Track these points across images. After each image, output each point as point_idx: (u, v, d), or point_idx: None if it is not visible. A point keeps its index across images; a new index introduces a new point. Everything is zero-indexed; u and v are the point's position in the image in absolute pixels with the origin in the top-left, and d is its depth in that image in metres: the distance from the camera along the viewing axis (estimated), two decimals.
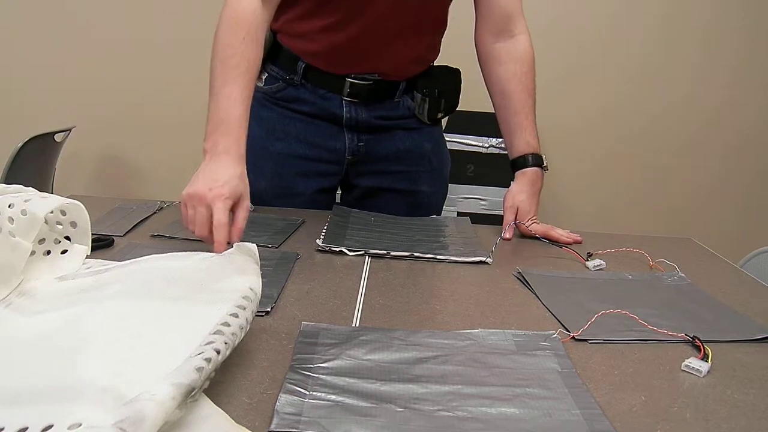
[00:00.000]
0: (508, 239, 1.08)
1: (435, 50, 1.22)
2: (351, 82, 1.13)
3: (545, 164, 1.14)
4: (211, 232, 0.83)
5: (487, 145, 2.49)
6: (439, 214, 1.31)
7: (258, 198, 1.16)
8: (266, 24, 0.99)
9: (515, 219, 1.10)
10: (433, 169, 1.27)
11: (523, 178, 1.13)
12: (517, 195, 1.12)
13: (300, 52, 1.14)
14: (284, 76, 1.16)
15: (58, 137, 2.30)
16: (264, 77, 1.18)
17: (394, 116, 1.20)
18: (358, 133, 1.19)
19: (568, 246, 1.03)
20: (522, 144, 1.13)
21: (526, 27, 1.16)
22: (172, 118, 2.64)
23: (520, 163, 1.14)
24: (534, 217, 1.11)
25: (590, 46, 2.56)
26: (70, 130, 2.35)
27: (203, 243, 0.95)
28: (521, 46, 1.15)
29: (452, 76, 1.22)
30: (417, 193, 1.26)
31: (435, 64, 1.23)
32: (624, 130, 2.65)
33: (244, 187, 0.89)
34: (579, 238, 1.08)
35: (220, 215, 0.82)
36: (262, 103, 1.18)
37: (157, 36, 2.56)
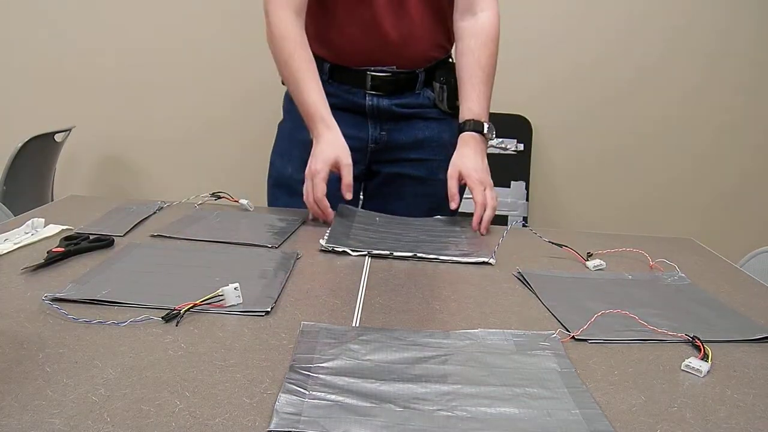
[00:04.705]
0: (455, 209, 1.15)
1: (451, 38, 1.27)
2: (372, 75, 1.21)
3: (486, 131, 1.18)
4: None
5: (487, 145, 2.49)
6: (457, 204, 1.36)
7: (285, 182, 1.26)
8: (303, 28, 1.16)
9: (460, 182, 1.15)
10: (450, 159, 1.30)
11: (462, 143, 1.18)
12: (456, 161, 1.16)
13: (324, 54, 1.22)
14: None
15: (58, 137, 2.30)
16: None
17: (414, 104, 1.26)
18: (381, 122, 1.26)
19: (568, 246, 1.02)
20: (464, 111, 1.20)
21: (492, 4, 1.22)
22: (173, 118, 2.64)
23: (460, 128, 1.20)
24: (485, 181, 1.14)
25: (596, 45, 2.56)
26: (70, 130, 2.36)
27: (204, 243, 0.95)
28: (480, 22, 1.21)
29: None
30: (434, 182, 1.29)
31: (453, 61, 1.29)
32: (625, 130, 2.65)
33: (339, 150, 1.10)
34: (484, 231, 1.11)
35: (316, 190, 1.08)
36: (291, 98, 1.24)
37: (157, 36, 2.56)
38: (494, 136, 1.20)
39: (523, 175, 2.56)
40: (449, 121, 1.29)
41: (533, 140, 2.58)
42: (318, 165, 1.08)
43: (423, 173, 1.30)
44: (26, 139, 2.08)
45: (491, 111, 1.22)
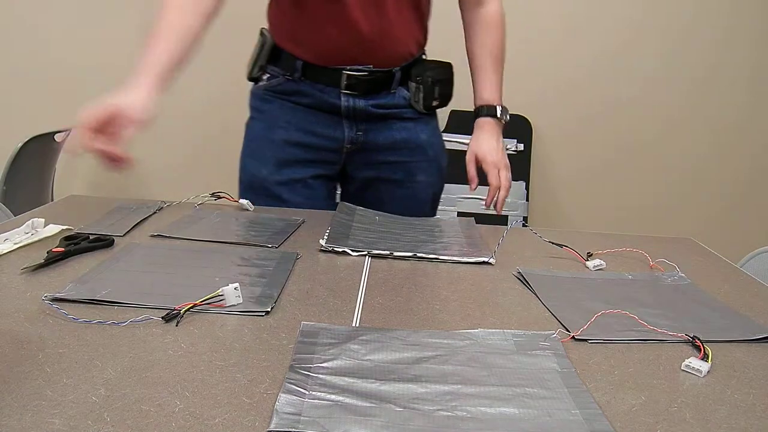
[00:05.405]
0: (473, 189, 1.23)
1: (426, 35, 1.28)
2: (347, 74, 1.19)
3: (500, 114, 1.24)
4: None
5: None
6: (436, 206, 1.35)
7: (259, 185, 1.24)
8: (200, 3, 1.08)
9: (477, 165, 1.23)
10: (429, 160, 1.30)
11: (477, 128, 1.25)
12: (473, 145, 1.25)
13: (298, 52, 1.19)
14: (284, 74, 1.22)
15: (58, 137, 2.30)
16: (265, 77, 1.24)
17: (390, 104, 1.25)
18: (357, 122, 1.24)
19: (568, 246, 1.02)
20: (477, 99, 1.26)
21: None
22: (173, 118, 2.63)
23: (475, 114, 1.26)
24: (499, 163, 1.22)
25: (596, 45, 2.56)
26: (70, 130, 2.35)
27: (204, 243, 0.95)
28: (487, 11, 1.26)
29: (444, 68, 1.27)
30: (413, 184, 1.30)
31: (427, 58, 1.29)
32: (625, 130, 2.65)
33: (134, 105, 1.02)
34: (500, 210, 1.22)
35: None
36: (263, 98, 1.24)
37: None
38: (508, 117, 1.25)
39: (523, 175, 2.55)
40: (426, 121, 1.29)
41: (533, 140, 2.58)
42: (104, 102, 0.98)
43: (400, 176, 1.28)
44: (26, 139, 2.08)
45: None
